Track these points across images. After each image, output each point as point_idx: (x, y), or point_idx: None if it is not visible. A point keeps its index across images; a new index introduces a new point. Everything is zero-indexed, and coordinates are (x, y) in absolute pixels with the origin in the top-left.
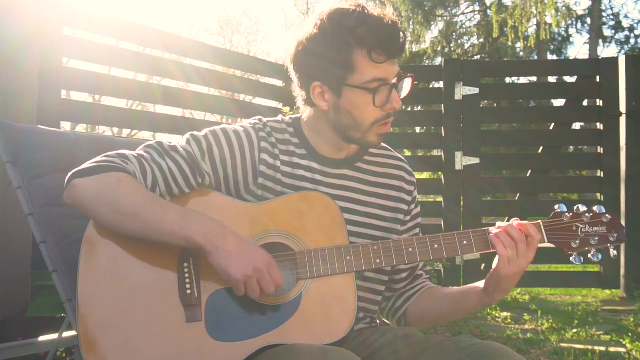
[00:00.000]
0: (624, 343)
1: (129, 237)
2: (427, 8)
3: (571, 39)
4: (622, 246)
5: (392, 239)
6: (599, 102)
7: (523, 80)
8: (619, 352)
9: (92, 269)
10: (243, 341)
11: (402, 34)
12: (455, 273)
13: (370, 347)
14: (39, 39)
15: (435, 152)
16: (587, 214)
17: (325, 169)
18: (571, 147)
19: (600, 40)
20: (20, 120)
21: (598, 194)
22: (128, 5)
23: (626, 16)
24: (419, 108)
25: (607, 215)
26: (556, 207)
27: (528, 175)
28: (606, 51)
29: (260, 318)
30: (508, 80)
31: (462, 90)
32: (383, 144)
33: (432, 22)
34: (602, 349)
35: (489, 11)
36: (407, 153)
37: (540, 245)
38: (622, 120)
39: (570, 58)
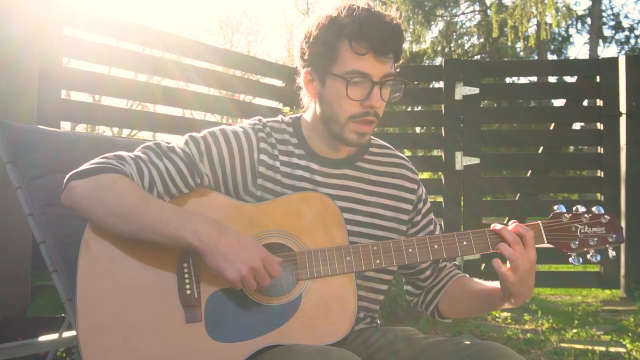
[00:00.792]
0: (624, 343)
1: (126, 239)
2: (427, 8)
3: (571, 39)
4: (622, 246)
5: (395, 239)
6: (599, 102)
7: (523, 80)
8: (619, 352)
9: (91, 269)
10: (243, 342)
11: (391, 31)
12: None
13: (371, 348)
14: (39, 39)
15: (435, 152)
16: (586, 215)
17: (325, 169)
18: (571, 147)
19: (600, 40)
20: (20, 120)
21: (598, 194)
22: (128, 5)
23: (626, 16)
24: (419, 108)
25: (605, 216)
26: (555, 207)
27: (528, 175)
28: (606, 51)
29: (260, 318)
30: (508, 80)
31: (462, 90)
32: (384, 143)
33: (432, 22)
34: (602, 349)
35: (489, 11)
36: (407, 153)
37: (540, 245)
38: (622, 120)
39: (570, 58)
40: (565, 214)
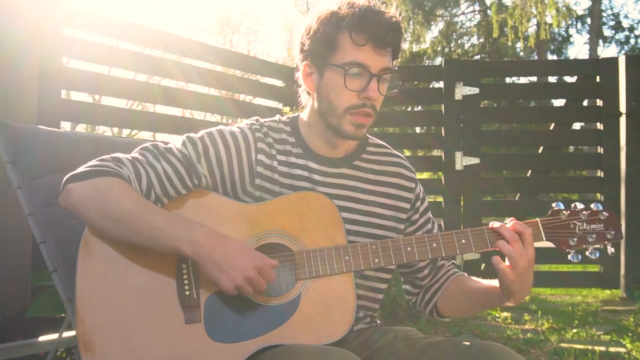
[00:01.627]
0: (624, 343)
1: (121, 243)
2: (427, 8)
3: (571, 39)
4: (623, 246)
5: (394, 237)
6: (599, 102)
7: (523, 80)
8: (619, 352)
9: (90, 270)
10: (242, 342)
11: (391, 23)
12: None
13: (370, 348)
14: (39, 39)
15: (435, 152)
16: (584, 212)
17: (324, 168)
18: (571, 147)
19: (600, 40)
20: (20, 120)
21: (598, 194)
22: (128, 5)
23: (626, 16)
24: (419, 108)
25: (604, 212)
26: (554, 205)
27: (528, 175)
28: (606, 51)
29: (260, 319)
30: (508, 80)
31: (462, 90)
32: (382, 142)
33: (432, 22)
34: (602, 349)
35: (489, 11)
36: (407, 153)
37: (540, 245)
38: (622, 120)
39: (570, 58)
40: (564, 211)
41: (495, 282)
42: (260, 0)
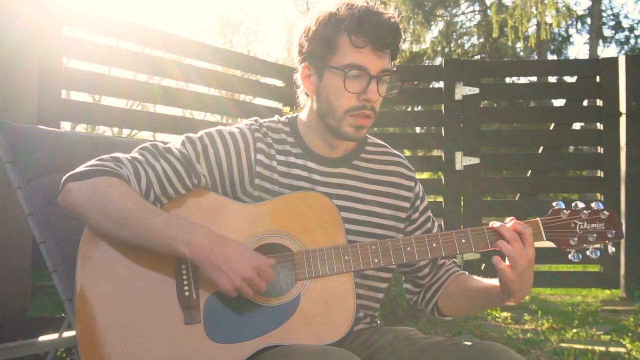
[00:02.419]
0: (624, 343)
1: (120, 243)
2: (427, 8)
3: (571, 39)
4: (622, 246)
5: (393, 237)
6: (599, 102)
7: (523, 80)
8: (619, 352)
9: (90, 271)
10: (242, 342)
11: (389, 24)
12: None
13: (370, 348)
14: (39, 39)
15: (435, 152)
16: (585, 211)
17: (323, 168)
18: (571, 147)
19: (600, 40)
20: (20, 120)
21: (598, 194)
22: (128, 5)
23: (626, 16)
24: (419, 108)
25: (605, 211)
26: (554, 204)
27: (528, 175)
28: (606, 51)
29: (259, 319)
30: (508, 80)
31: (462, 90)
32: (380, 142)
33: (432, 22)
34: (602, 349)
35: (489, 11)
36: (407, 153)
37: (539, 245)
38: (622, 120)
39: (570, 58)
40: (565, 210)
41: (495, 282)
42: (260, 0)
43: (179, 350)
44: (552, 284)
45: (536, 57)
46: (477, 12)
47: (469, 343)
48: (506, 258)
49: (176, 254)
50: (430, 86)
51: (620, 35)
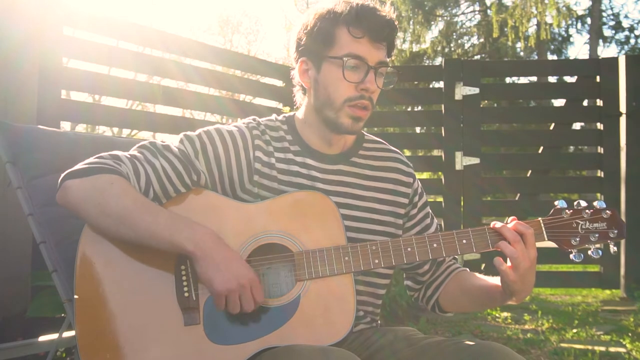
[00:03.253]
0: (624, 343)
1: (120, 241)
2: (427, 8)
3: (571, 39)
4: (623, 246)
5: (392, 233)
6: (599, 102)
7: (523, 80)
8: (619, 352)
9: (89, 272)
10: (242, 344)
11: (386, 19)
12: None
13: (371, 348)
14: (38, 39)
15: (435, 152)
16: (587, 210)
17: (321, 165)
18: (571, 147)
19: (600, 40)
20: (20, 120)
21: (598, 194)
22: (128, 5)
23: (626, 16)
24: (419, 108)
25: (607, 211)
26: (556, 203)
27: (528, 175)
28: (606, 51)
29: (259, 320)
30: (508, 80)
31: (462, 90)
32: (378, 139)
33: (432, 22)
34: (602, 349)
35: (489, 11)
36: (407, 153)
37: (539, 245)
38: (622, 120)
39: (570, 58)
40: (566, 210)
41: (497, 281)
42: (260, 0)
43: (178, 352)
44: (552, 284)
45: (536, 57)
46: (477, 12)
47: (469, 343)
48: (508, 259)
49: (177, 249)
50: (430, 86)
51: (621, 35)
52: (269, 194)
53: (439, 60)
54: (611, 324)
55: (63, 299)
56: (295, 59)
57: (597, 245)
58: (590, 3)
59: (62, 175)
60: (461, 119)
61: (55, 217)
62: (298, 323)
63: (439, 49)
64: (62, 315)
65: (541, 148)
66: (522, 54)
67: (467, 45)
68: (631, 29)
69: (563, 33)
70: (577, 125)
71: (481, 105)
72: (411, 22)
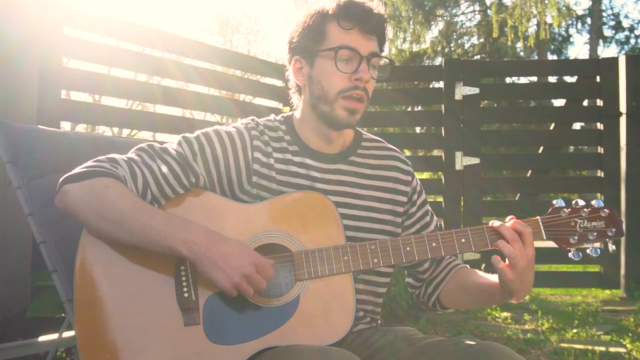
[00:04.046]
0: (624, 343)
1: (118, 244)
2: (427, 8)
3: (571, 39)
4: (622, 246)
5: (392, 231)
6: (599, 102)
7: (523, 80)
8: (619, 352)
9: (89, 273)
10: (242, 344)
11: (376, 15)
12: None
13: (371, 348)
14: (38, 39)
15: (435, 152)
16: (585, 209)
17: (320, 164)
18: (571, 147)
19: (600, 40)
20: (20, 120)
21: (598, 194)
22: (128, 5)
23: (626, 16)
24: (419, 108)
25: (605, 209)
26: (554, 202)
27: (528, 175)
28: (606, 51)
29: (259, 320)
30: (508, 80)
31: (462, 90)
32: (376, 137)
33: (432, 22)
34: (602, 349)
35: (489, 11)
36: (407, 153)
37: (540, 244)
38: (622, 120)
39: (570, 58)
40: (565, 209)
41: (496, 279)
42: (260, 0)
43: (178, 352)
44: (552, 284)
45: (536, 57)
46: (477, 12)
47: (469, 343)
48: (506, 258)
49: (173, 252)
50: (430, 86)
51: (621, 35)
52: (267, 194)
53: (439, 60)
54: (611, 324)
55: (63, 299)
56: (289, 59)
57: (596, 244)
58: (590, 3)
59: (60, 179)
60: (461, 119)
61: (55, 217)
62: (298, 323)
63: (439, 49)
64: (62, 315)
65: (541, 148)
66: (522, 54)
67: (467, 45)
68: (631, 29)
69: (563, 33)
70: (577, 125)
71: (481, 105)
72: (411, 22)
